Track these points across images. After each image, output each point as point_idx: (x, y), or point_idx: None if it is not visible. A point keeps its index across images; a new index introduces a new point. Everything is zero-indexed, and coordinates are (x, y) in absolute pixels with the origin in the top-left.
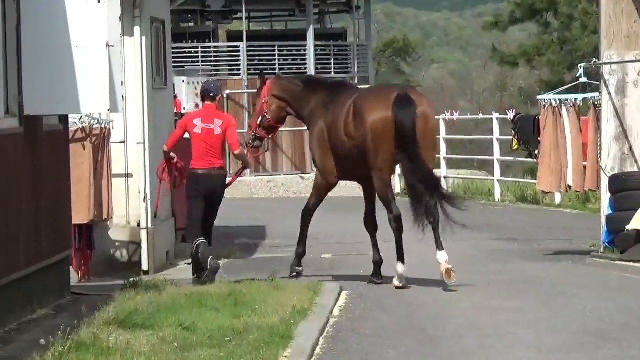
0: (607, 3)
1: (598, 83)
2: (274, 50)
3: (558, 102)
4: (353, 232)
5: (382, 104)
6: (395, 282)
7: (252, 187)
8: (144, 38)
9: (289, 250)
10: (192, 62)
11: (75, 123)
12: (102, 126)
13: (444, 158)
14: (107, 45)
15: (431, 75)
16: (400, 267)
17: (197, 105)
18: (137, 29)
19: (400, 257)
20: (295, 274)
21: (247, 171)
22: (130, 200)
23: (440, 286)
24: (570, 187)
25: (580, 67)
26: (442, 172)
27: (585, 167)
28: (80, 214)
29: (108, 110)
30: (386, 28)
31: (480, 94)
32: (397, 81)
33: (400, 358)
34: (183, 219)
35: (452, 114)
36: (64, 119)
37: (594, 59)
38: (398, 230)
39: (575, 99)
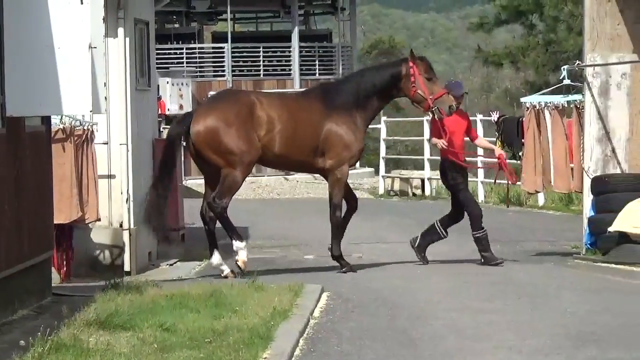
0: (591, 5)
1: (582, 85)
2: (258, 52)
3: (542, 104)
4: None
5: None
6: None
7: None
8: (127, 39)
9: (271, 251)
10: (177, 63)
11: (56, 124)
12: (85, 127)
13: (428, 160)
14: (90, 46)
15: None
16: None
17: (181, 107)
18: (120, 30)
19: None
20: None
21: None
22: (112, 202)
23: (421, 287)
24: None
25: (564, 69)
26: (425, 174)
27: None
28: (62, 214)
29: (90, 111)
30: (372, 29)
31: (466, 95)
32: None
33: (380, 359)
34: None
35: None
36: (46, 120)
37: (578, 61)
38: None
39: (559, 101)
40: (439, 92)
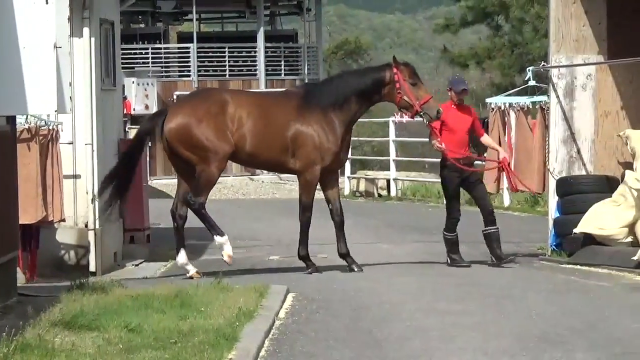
0: (557, 7)
1: (547, 86)
2: (224, 52)
3: (508, 105)
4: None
5: None
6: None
7: None
8: (93, 39)
9: (236, 251)
10: (142, 63)
11: (22, 123)
12: (50, 127)
13: (394, 160)
14: (55, 46)
15: None
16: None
17: (146, 107)
18: (86, 30)
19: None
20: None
21: None
22: (78, 202)
23: (387, 288)
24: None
25: (529, 70)
26: (391, 174)
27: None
28: (27, 214)
29: (55, 111)
30: (338, 30)
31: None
32: None
33: None
34: (131, 220)
35: (401, 116)
36: (11, 119)
37: (543, 62)
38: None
39: (524, 102)
40: (425, 97)
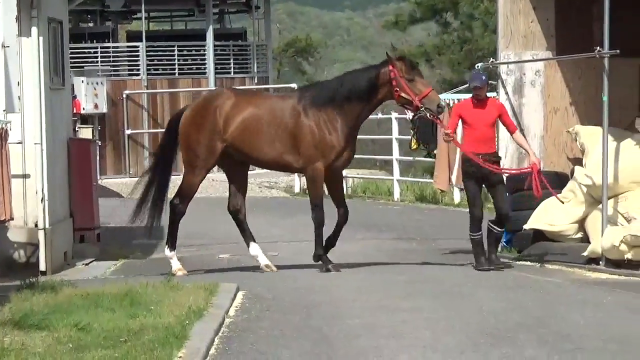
0: (505, 3)
1: (496, 83)
2: (173, 50)
3: (456, 101)
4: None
5: None
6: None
7: None
8: (41, 38)
9: (187, 250)
10: (92, 62)
11: None
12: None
13: None
14: (3, 45)
15: (333, 75)
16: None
17: (96, 106)
18: (34, 29)
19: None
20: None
21: None
22: (27, 201)
23: (337, 286)
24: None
25: (478, 66)
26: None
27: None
28: None
29: (4, 110)
30: (288, 28)
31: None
32: (298, 81)
33: (295, 358)
34: (81, 219)
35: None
36: None
37: (492, 59)
38: None
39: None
40: (424, 91)
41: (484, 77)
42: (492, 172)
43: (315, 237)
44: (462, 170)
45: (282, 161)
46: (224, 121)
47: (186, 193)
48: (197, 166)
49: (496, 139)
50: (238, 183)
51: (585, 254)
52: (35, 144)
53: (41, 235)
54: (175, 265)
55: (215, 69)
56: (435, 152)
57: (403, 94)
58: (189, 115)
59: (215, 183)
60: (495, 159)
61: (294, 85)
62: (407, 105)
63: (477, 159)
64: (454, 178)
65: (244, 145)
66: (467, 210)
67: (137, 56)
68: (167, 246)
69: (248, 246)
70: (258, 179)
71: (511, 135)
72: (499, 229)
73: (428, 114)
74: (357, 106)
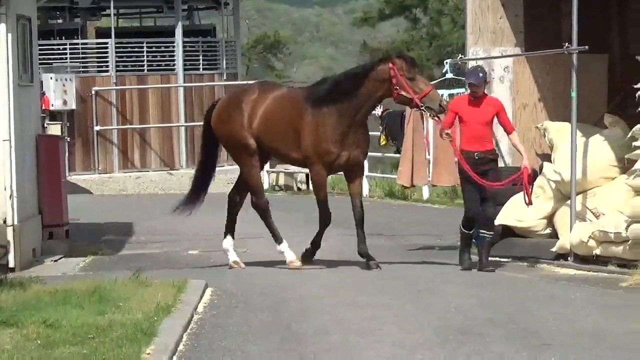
0: None
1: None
2: (142, 47)
3: None
4: (219, 228)
5: None
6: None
7: (120, 183)
8: (9, 35)
9: (155, 246)
10: (60, 58)
11: None
12: None
13: None
14: None
15: (303, 71)
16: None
17: (65, 102)
18: (2, 26)
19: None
20: None
21: (116, 167)
22: None
23: (306, 282)
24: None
25: (446, 62)
26: None
27: (451, 162)
28: None
29: None
30: (257, 24)
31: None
32: (267, 77)
33: (263, 354)
34: (50, 216)
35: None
36: None
37: (460, 55)
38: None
39: (442, 95)
40: (425, 90)
41: (481, 75)
42: (487, 173)
43: (316, 234)
44: (458, 169)
45: (297, 160)
46: (248, 116)
47: (244, 186)
48: (240, 158)
49: (493, 137)
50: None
51: (554, 249)
52: (3, 140)
53: (10, 232)
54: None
55: (184, 65)
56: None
57: (403, 93)
58: (216, 110)
59: (184, 179)
60: (492, 157)
61: None
62: (405, 103)
63: (469, 170)
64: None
65: (264, 140)
66: (438, 207)
67: (106, 53)
68: (224, 238)
69: (224, 237)
70: (228, 175)
71: (508, 135)
72: (489, 233)
73: (429, 114)
74: (356, 104)
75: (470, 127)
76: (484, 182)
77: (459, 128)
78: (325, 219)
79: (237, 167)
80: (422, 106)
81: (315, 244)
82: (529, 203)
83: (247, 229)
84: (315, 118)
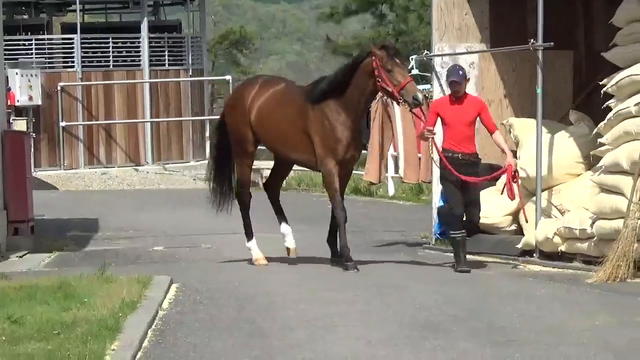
0: None
1: (431, 75)
2: (108, 43)
3: None
4: (184, 224)
5: None
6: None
7: (85, 179)
8: None
9: (120, 242)
10: (26, 54)
11: None
12: None
13: None
14: None
15: (269, 67)
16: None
17: (30, 98)
18: None
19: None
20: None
21: (81, 163)
22: None
23: (271, 278)
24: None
25: (412, 59)
26: None
27: (419, 159)
28: None
29: None
30: (223, 19)
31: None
32: (233, 73)
33: (228, 350)
34: (15, 211)
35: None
36: None
37: (426, 51)
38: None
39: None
40: (403, 82)
41: (461, 72)
42: (470, 176)
43: (340, 235)
44: (440, 170)
45: (303, 160)
46: (248, 109)
47: (242, 182)
48: (237, 153)
49: (476, 138)
50: (282, 166)
51: (519, 246)
52: None
53: None
54: (256, 254)
55: (150, 61)
56: (368, 144)
57: (384, 85)
58: (225, 104)
59: (149, 175)
60: (475, 159)
61: (229, 78)
62: (389, 96)
63: (450, 168)
64: (401, 173)
65: (264, 138)
66: (404, 203)
67: (72, 48)
68: (246, 237)
69: (280, 224)
70: (193, 171)
71: (490, 135)
72: (460, 233)
73: (407, 107)
74: (356, 97)
75: (454, 128)
76: (467, 178)
77: (441, 129)
78: (341, 218)
79: (200, 163)
80: (400, 99)
81: (344, 248)
82: (512, 198)
83: (212, 225)
84: (322, 115)
